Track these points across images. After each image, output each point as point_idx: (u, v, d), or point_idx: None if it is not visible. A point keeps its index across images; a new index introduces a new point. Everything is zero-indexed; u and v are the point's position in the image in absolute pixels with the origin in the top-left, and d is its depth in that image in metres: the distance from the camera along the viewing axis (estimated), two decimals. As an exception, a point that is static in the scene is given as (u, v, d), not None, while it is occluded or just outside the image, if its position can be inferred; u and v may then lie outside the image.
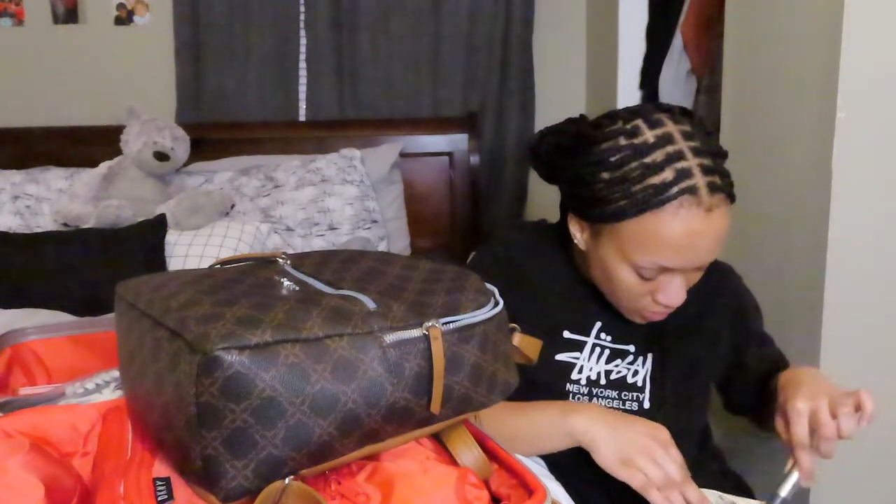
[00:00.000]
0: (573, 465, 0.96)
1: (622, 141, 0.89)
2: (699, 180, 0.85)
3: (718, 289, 1.08)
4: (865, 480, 1.27)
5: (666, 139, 0.88)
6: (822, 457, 0.88)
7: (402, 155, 2.43)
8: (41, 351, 0.98)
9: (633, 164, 0.87)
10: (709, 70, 2.00)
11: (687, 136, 0.88)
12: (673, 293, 0.92)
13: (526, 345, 0.77)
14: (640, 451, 0.84)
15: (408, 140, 2.46)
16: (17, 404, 0.79)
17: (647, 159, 0.87)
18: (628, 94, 2.23)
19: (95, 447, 0.69)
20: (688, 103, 2.10)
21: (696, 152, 0.87)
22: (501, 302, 0.73)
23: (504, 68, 2.54)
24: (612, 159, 0.89)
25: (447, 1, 2.50)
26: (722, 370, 1.10)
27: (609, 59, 2.31)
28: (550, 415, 0.91)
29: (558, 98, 2.59)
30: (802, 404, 0.88)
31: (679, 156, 0.86)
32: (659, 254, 0.88)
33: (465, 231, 2.50)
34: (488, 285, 0.76)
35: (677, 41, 2.10)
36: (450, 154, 2.49)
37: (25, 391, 0.90)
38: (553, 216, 1.13)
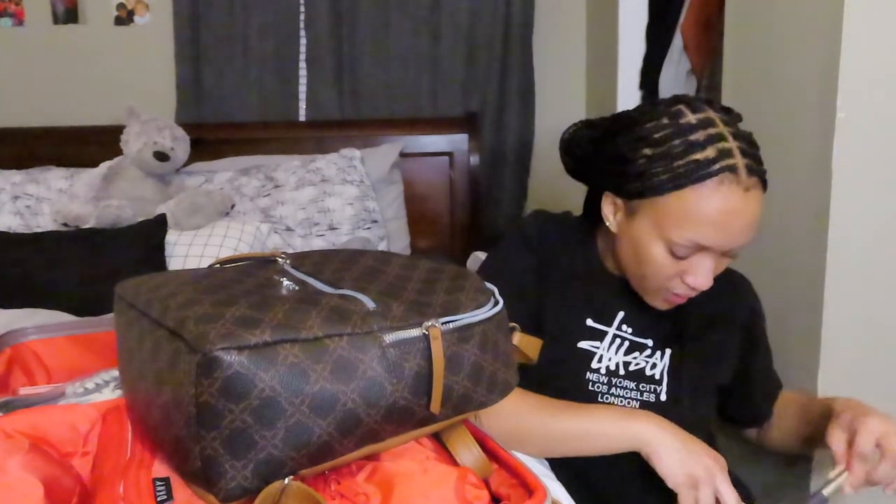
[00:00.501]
0: (589, 465, 0.97)
1: (665, 120, 0.92)
2: (739, 160, 0.88)
3: (735, 293, 1.11)
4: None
5: (708, 122, 0.91)
6: (874, 481, 0.91)
7: (402, 155, 2.43)
8: (41, 351, 0.98)
9: (677, 141, 0.90)
10: (709, 70, 2.00)
11: (726, 122, 0.92)
12: (702, 275, 0.93)
13: (526, 344, 0.77)
14: (704, 471, 0.85)
15: (408, 140, 2.46)
16: (17, 404, 0.79)
17: (691, 137, 0.89)
18: (628, 94, 2.23)
19: (95, 447, 0.69)
20: (688, 103, 2.10)
21: (736, 136, 0.90)
22: (501, 301, 0.73)
23: (504, 68, 2.54)
24: (656, 136, 0.91)
25: (447, 1, 2.49)
26: (729, 374, 1.10)
27: (609, 59, 2.31)
28: (611, 417, 0.91)
29: (558, 98, 2.59)
30: (877, 424, 0.92)
31: (720, 137, 0.89)
32: (696, 229, 0.89)
33: (465, 231, 2.50)
34: (488, 285, 0.76)
35: (677, 41, 2.10)
36: (450, 154, 2.49)
37: (25, 391, 0.90)
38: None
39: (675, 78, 2.12)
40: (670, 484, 0.85)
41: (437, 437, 0.72)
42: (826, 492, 0.90)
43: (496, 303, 0.72)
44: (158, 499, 0.59)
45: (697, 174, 0.87)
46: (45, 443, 0.67)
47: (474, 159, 2.46)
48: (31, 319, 1.61)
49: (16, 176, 2.27)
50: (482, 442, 0.72)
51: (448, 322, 0.65)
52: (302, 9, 2.52)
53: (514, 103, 2.55)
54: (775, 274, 1.37)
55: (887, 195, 1.17)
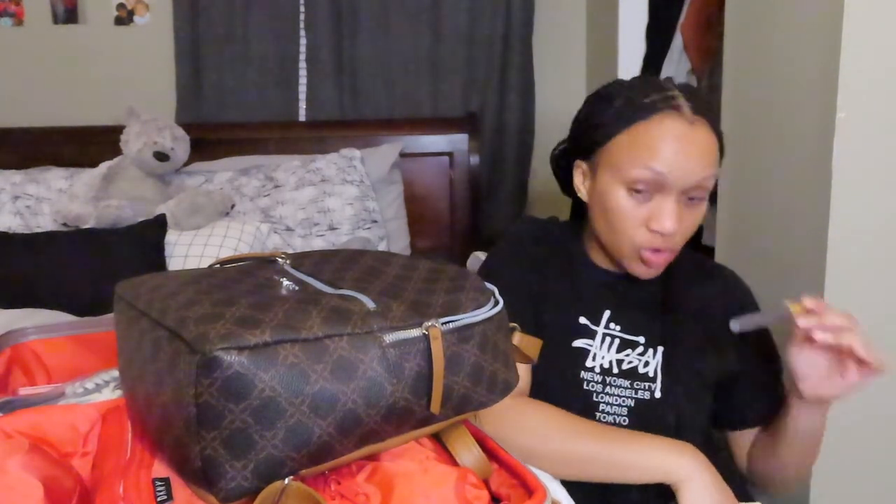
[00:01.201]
0: None
1: (617, 83, 1.02)
2: (682, 102, 0.95)
3: (723, 285, 1.11)
4: (866, 479, 1.27)
5: (656, 80, 1.00)
6: (819, 335, 0.88)
7: (402, 155, 2.43)
8: (41, 351, 0.98)
9: (624, 93, 0.99)
10: (709, 70, 2.00)
11: (674, 85, 0.99)
12: (665, 216, 0.95)
13: (526, 344, 0.77)
14: None
15: (408, 140, 2.46)
16: (17, 404, 0.79)
17: (638, 88, 0.98)
18: (628, 94, 2.23)
19: (95, 447, 0.69)
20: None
21: (681, 89, 0.98)
22: (501, 301, 0.73)
23: (504, 68, 2.54)
24: (606, 92, 1.01)
25: (447, 1, 2.50)
26: (721, 370, 1.10)
27: (609, 59, 2.31)
28: (654, 448, 0.89)
29: (558, 98, 2.59)
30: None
31: (666, 87, 0.98)
32: (647, 157, 0.94)
33: (465, 231, 2.50)
34: (488, 285, 0.75)
35: (677, 41, 2.10)
36: (450, 154, 2.49)
37: (25, 391, 0.90)
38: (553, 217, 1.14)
39: (675, 78, 2.12)
40: None
41: (437, 438, 0.72)
42: (783, 308, 0.91)
43: (496, 303, 0.72)
44: (158, 499, 0.59)
45: (642, 111, 0.95)
46: (45, 443, 0.67)
47: (474, 159, 2.46)
48: (31, 319, 1.61)
49: (16, 176, 2.27)
50: (482, 442, 0.72)
51: (448, 322, 0.65)
52: (302, 9, 2.52)
53: (514, 103, 2.55)
54: (775, 274, 1.37)
55: (887, 195, 1.17)
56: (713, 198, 1.80)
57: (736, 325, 0.97)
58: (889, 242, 1.19)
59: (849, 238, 1.19)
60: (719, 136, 0.98)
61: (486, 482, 0.69)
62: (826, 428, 1.02)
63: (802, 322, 0.89)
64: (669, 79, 1.03)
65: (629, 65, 2.24)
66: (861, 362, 0.89)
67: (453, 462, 0.69)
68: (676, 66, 2.11)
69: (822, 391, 0.93)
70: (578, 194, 1.06)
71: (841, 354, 0.91)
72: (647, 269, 1.01)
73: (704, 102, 0.98)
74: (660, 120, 0.94)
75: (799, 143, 1.28)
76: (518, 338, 0.76)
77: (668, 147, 0.93)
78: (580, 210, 1.12)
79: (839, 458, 1.25)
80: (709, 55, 1.99)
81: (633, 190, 0.96)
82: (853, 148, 1.16)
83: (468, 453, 0.70)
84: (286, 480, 0.58)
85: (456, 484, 0.63)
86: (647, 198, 0.96)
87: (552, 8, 2.58)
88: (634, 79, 1.03)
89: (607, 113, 0.99)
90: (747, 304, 1.12)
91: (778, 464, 1.06)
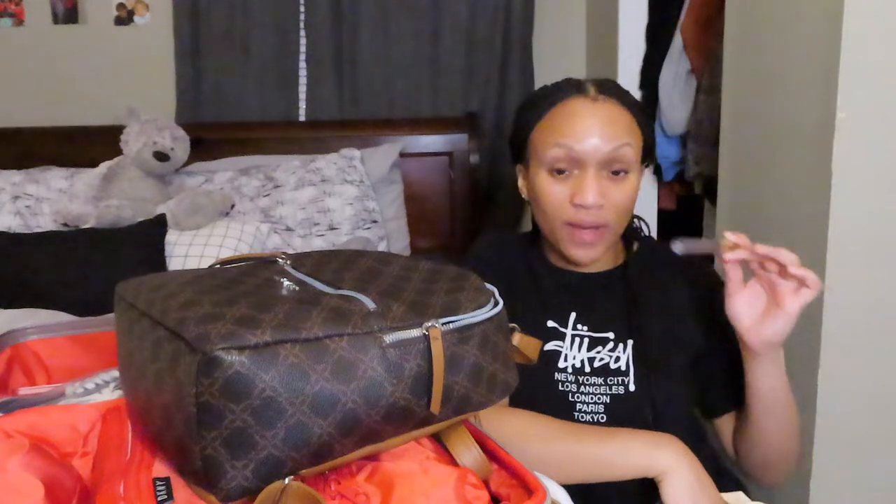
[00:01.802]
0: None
1: (540, 88, 1.10)
2: (588, 86, 1.03)
3: (689, 274, 1.10)
4: (866, 479, 1.27)
5: (572, 79, 1.07)
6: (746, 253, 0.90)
7: (402, 155, 2.43)
8: (41, 351, 0.98)
9: (540, 91, 1.08)
10: (709, 70, 2.00)
11: (594, 79, 1.06)
12: (586, 190, 0.99)
13: (525, 345, 0.77)
14: None
15: (408, 140, 2.46)
16: (17, 404, 0.79)
17: (552, 86, 1.06)
18: (628, 94, 2.23)
19: (95, 447, 0.69)
20: (688, 103, 2.10)
21: (595, 80, 1.05)
22: (501, 302, 0.73)
23: (504, 68, 2.54)
24: (528, 97, 1.10)
25: (447, 1, 2.50)
26: (694, 356, 1.09)
27: (609, 59, 2.31)
28: (623, 442, 0.89)
29: (558, 98, 2.59)
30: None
31: (579, 80, 1.05)
32: (559, 136, 1.00)
33: (465, 231, 2.50)
34: (488, 285, 0.76)
35: (677, 41, 2.10)
36: (449, 154, 2.49)
37: (25, 391, 0.90)
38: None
39: (675, 78, 2.12)
40: None
41: (436, 438, 0.72)
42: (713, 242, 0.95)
43: (496, 303, 0.72)
44: (159, 499, 0.59)
45: (552, 98, 1.03)
46: (45, 443, 0.67)
47: (474, 159, 2.46)
48: (31, 319, 1.61)
49: (15, 176, 2.27)
50: (482, 442, 0.72)
51: (448, 322, 0.65)
52: (302, 8, 2.52)
53: (514, 103, 2.54)
54: (775, 274, 1.37)
55: (887, 195, 1.17)
56: (713, 197, 1.80)
57: (679, 247, 0.94)
58: (889, 242, 1.19)
59: (849, 238, 1.18)
60: (632, 109, 1.03)
61: (485, 482, 0.69)
62: (796, 405, 1.00)
63: (730, 255, 0.91)
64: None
65: (629, 65, 2.24)
66: (797, 284, 0.89)
67: (453, 462, 0.69)
68: (676, 66, 2.11)
69: (766, 332, 0.93)
70: (522, 195, 1.12)
71: (774, 288, 0.91)
72: (583, 249, 1.03)
73: (614, 85, 1.05)
74: (566, 102, 1.02)
75: (799, 143, 1.28)
76: (517, 338, 0.77)
77: (574, 123, 1.00)
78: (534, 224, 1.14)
79: (840, 456, 1.25)
80: (709, 55, 1.99)
81: (555, 170, 1.01)
82: (853, 148, 1.16)
83: (468, 453, 0.70)
84: (286, 480, 0.58)
85: (456, 484, 0.63)
86: (568, 176, 1.01)
87: (552, 8, 2.59)
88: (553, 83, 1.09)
89: (525, 114, 1.07)
90: (715, 294, 1.11)
91: (758, 443, 1.04)
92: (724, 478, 1.09)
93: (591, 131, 0.99)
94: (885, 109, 1.15)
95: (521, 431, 0.92)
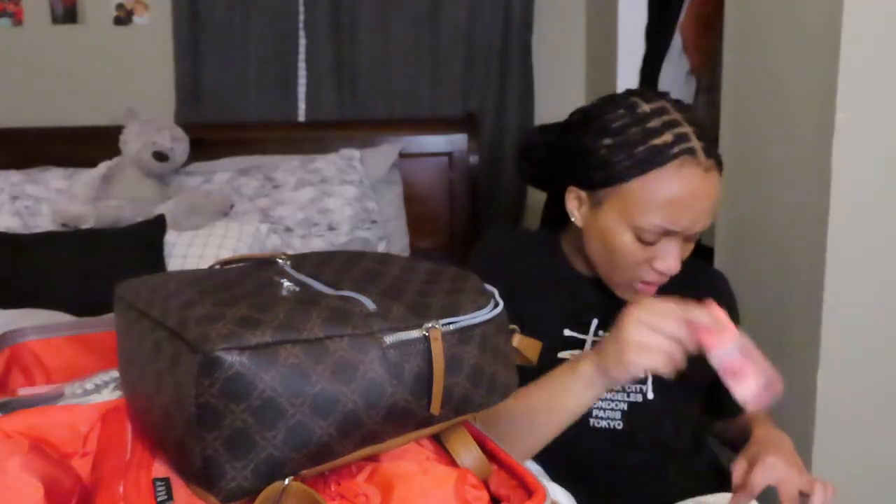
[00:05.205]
0: (587, 464, 0.96)
1: (621, 111, 0.96)
2: (696, 143, 0.92)
3: (709, 285, 1.11)
4: (866, 479, 1.27)
5: (662, 110, 0.95)
6: None
7: (402, 155, 2.43)
8: (40, 351, 0.98)
9: (634, 129, 0.93)
10: (709, 70, 2.00)
11: (678, 109, 0.96)
12: (671, 259, 0.95)
13: (526, 346, 0.77)
14: (633, 335, 0.82)
15: (407, 140, 2.46)
16: (17, 405, 0.79)
17: (648, 125, 0.93)
18: (628, 94, 2.23)
19: (95, 447, 0.69)
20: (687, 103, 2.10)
21: (689, 121, 0.94)
22: (501, 303, 0.73)
23: (503, 68, 2.54)
24: (614, 126, 0.95)
25: (447, 1, 2.50)
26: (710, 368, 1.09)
27: (609, 59, 2.31)
28: (561, 373, 0.90)
29: (558, 98, 2.59)
30: (775, 465, 0.92)
31: (676, 123, 0.93)
32: (662, 213, 0.92)
33: (464, 231, 2.50)
34: (488, 286, 0.76)
35: (677, 41, 2.10)
36: (449, 154, 2.49)
37: (24, 391, 0.90)
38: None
39: (675, 78, 2.12)
40: (640, 374, 0.84)
41: (436, 439, 0.72)
42: None
43: (496, 304, 0.72)
44: (158, 499, 0.59)
45: (659, 158, 0.91)
46: (45, 443, 0.67)
47: (474, 159, 2.46)
48: (30, 319, 1.61)
49: (14, 176, 2.27)
50: (482, 443, 0.72)
51: (448, 323, 0.65)
52: (301, 9, 2.52)
53: (514, 103, 2.55)
54: (775, 274, 1.37)
55: (887, 195, 1.18)
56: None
57: None
58: (889, 242, 1.19)
59: (849, 238, 1.19)
60: (721, 168, 0.96)
61: (485, 483, 0.69)
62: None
63: None
64: (667, 96, 0.99)
65: (629, 65, 2.24)
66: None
67: (453, 463, 0.69)
68: (676, 66, 2.11)
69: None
70: (572, 218, 1.02)
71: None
72: (637, 296, 1.01)
73: (709, 132, 0.96)
74: (676, 171, 0.91)
75: (799, 143, 1.28)
76: (518, 339, 0.77)
77: (683, 203, 0.91)
78: (554, 214, 1.10)
79: (840, 456, 1.25)
80: (708, 55, 1.99)
81: (641, 238, 0.94)
82: (853, 148, 1.16)
83: (468, 454, 0.70)
84: (286, 481, 0.58)
85: (455, 485, 0.63)
86: (653, 241, 0.95)
87: (552, 8, 2.58)
88: (635, 100, 0.97)
89: (616, 153, 0.93)
90: (731, 307, 1.12)
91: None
92: (725, 478, 1.09)
93: (700, 215, 0.93)
94: (885, 109, 1.15)
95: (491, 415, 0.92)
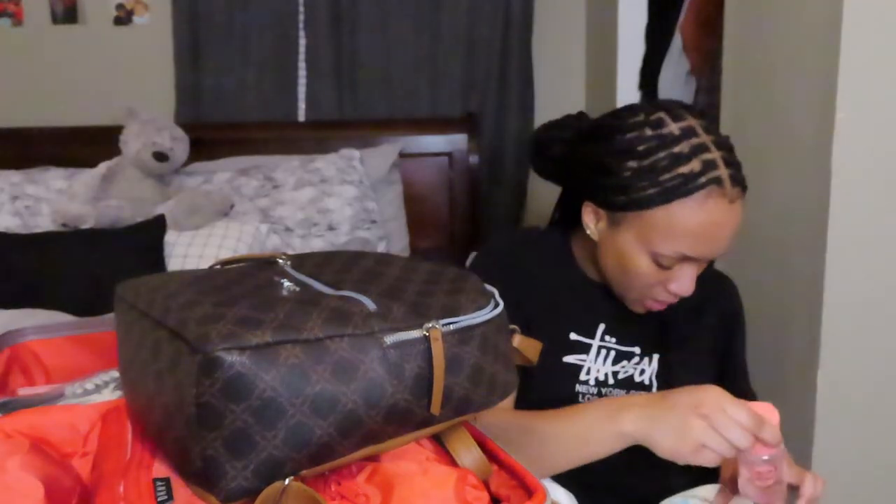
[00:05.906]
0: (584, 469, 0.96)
1: (648, 131, 0.91)
2: (723, 172, 0.89)
3: (718, 292, 1.10)
4: (866, 479, 1.27)
5: (690, 131, 0.90)
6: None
7: (402, 155, 2.43)
8: (40, 351, 0.98)
9: (662, 154, 0.89)
10: (709, 70, 2.00)
11: (707, 130, 0.91)
12: (687, 283, 0.94)
13: (526, 346, 0.77)
14: (701, 432, 0.78)
15: (407, 140, 2.46)
16: (17, 405, 0.79)
17: (675, 149, 0.89)
18: (628, 94, 2.23)
19: (95, 447, 0.69)
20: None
21: (718, 145, 0.90)
22: (501, 303, 0.73)
23: (503, 68, 2.54)
24: (640, 148, 0.90)
25: (446, 1, 2.50)
26: (714, 374, 1.10)
27: (609, 59, 2.31)
28: (597, 417, 0.86)
29: (558, 98, 2.59)
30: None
31: (704, 147, 0.89)
32: (683, 242, 0.90)
33: (464, 231, 2.50)
34: (488, 286, 0.75)
35: (677, 41, 2.10)
36: (449, 154, 2.49)
37: (24, 391, 0.90)
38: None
39: (675, 78, 2.12)
40: (681, 462, 0.81)
41: (436, 439, 0.72)
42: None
43: (496, 305, 0.72)
44: (158, 499, 0.59)
45: (684, 188, 0.88)
46: (45, 443, 0.67)
47: (474, 159, 2.46)
48: (30, 319, 1.61)
49: (14, 176, 2.27)
50: (482, 443, 0.72)
51: (448, 324, 0.65)
52: (301, 9, 2.52)
53: (514, 103, 2.55)
54: (775, 274, 1.37)
55: (887, 195, 1.18)
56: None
57: None
58: (889, 242, 1.19)
59: (849, 238, 1.19)
60: (745, 191, 0.93)
61: (485, 483, 0.69)
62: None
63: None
64: (694, 111, 0.94)
65: (629, 65, 2.23)
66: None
67: (453, 463, 0.69)
68: (676, 66, 2.11)
69: None
70: (587, 231, 1.00)
71: None
72: (646, 311, 1.00)
73: (739, 163, 0.93)
74: (702, 201, 0.88)
75: (799, 143, 1.28)
76: (518, 340, 0.76)
77: (706, 234, 0.89)
78: (567, 209, 1.08)
79: (840, 455, 1.25)
80: (708, 55, 1.99)
81: (658, 262, 0.93)
82: (853, 148, 1.16)
83: (468, 454, 0.70)
84: (287, 481, 0.58)
85: (456, 485, 0.63)
86: (671, 266, 0.93)
87: (552, 8, 2.58)
88: (662, 117, 0.92)
89: (641, 180, 0.90)
90: (739, 317, 1.13)
91: None
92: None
93: (721, 243, 0.91)
94: (885, 109, 1.15)
95: (502, 432, 0.90)
